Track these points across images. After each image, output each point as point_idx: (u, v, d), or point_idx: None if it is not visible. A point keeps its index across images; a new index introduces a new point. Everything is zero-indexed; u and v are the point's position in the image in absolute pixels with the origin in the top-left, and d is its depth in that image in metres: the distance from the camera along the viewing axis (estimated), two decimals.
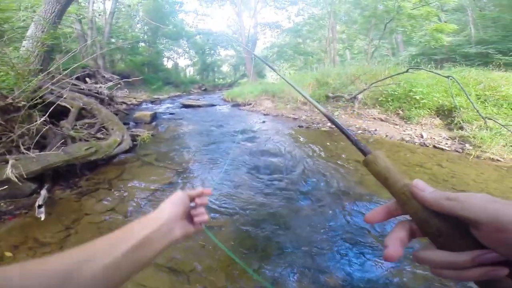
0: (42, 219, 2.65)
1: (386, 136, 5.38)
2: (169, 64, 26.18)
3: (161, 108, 10.08)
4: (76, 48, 13.26)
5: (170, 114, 8.72)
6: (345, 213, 2.81)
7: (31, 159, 3.11)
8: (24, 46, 4.92)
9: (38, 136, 3.29)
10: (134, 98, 12.51)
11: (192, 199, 0.64)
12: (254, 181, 3.55)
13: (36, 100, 3.58)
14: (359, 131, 5.62)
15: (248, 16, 23.63)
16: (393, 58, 13.90)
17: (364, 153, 0.40)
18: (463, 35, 12.07)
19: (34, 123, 3.16)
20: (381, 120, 6.30)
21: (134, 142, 5.02)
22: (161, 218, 0.54)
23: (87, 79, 7.77)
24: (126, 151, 4.57)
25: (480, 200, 0.31)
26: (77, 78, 8.77)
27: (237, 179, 3.62)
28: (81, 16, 12.15)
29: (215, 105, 10.62)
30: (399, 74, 6.09)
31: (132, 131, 5.41)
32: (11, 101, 3.48)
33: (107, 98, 5.97)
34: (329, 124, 6.15)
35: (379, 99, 6.70)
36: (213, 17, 49.80)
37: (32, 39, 4.84)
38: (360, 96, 6.77)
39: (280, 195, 3.18)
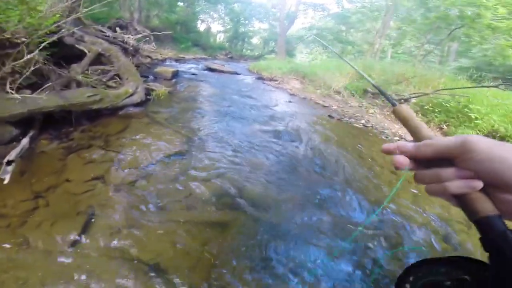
0: (6, 181, 2.01)
1: None
2: (202, 27, 25.04)
3: (184, 67, 9.34)
4: None
5: (193, 74, 7.99)
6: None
7: (14, 100, 2.48)
8: None
9: (27, 73, 2.62)
10: (161, 54, 11.85)
11: None
12: (270, 177, 2.85)
13: (42, 38, 2.89)
14: (395, 138, 4.78)
15: None
16: (439, 66, 12.43)
17: (393, 104, 0.45)
18: None
19: (23, 59, 2.49)
20: None
21: (148, 97, 4.38)
22: None
23: (117, 28, 7.04)
24: (137, 105, 3.95)
25: (446, 139, 0.36)
26: (109, 27, 8.15)
27: (252, 166, 2.93)
28: None
29: (239, 74, 9.78)
30: (485, 86, 5.13)
31: (148, 85, 4.76)
32: (9, 35, 2.81)
33: (131, 48, 5.30)
34: (363, 121, 5.31)
35: (425, 107, 5.75)
36: None
37: None
38: (414, 100, 5.80)
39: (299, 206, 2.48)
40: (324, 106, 6.22)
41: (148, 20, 16.55)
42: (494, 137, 4.93)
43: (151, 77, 6.44)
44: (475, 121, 5.00)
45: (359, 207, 2.58)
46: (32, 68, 2.61)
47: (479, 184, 0.33)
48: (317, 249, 1.98)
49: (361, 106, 6.32)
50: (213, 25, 27.29)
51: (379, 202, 2.75)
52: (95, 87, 3.36)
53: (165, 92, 4.74)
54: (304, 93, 7.28)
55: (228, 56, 18.75)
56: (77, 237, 1.76)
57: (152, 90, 4.53)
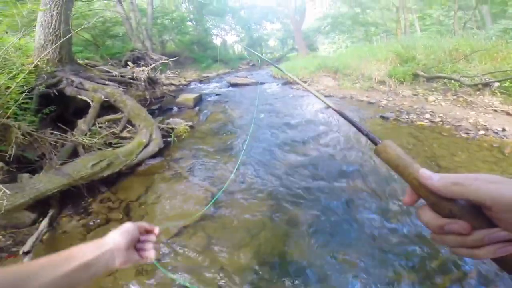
0: None
1: None
2: (217, 42, 24.81)
3: (208, 88, 8.86)
4: (123, 32, 12.52)
5: (216, 95, 7.41)
6: None
7: (19, 188, 2.00)
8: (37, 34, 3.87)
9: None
10: (184, 78, 11.61)
11: (143, 231, 0.65)
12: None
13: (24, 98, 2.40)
14: (480, 132, 3.52)
15: None
16: (479, 31, 10.26)
17: (375, 142, 0.37)
18: None
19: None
20: (508, 114, 4.05)
21: (168, 139, 3.74)
22: (106, 245, 0.55)
23: (129, 63, 6.72)
24: (155, 155, 3.29)
25: (484, 183, 0.30)
26: (126, 62, 7.93)
27: (292, 229, 2.08)
28: None
29: (264, 83, 8.94)
30: None
31: (167, 123, 4.14)
32: None
33: (143, 83, 4.75)
34: (427, 116, 4.14)
35: (503, 84, 4.37)
36: None
37: (43, 26, 3.72)
38: (497, 84, 4.39)
39: None
40: (370, 103, 5.11)
41: (164, 45, 16.48)
42: None
43: (175, 108, 5.94)
44: None
45: None
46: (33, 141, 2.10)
47: None
48: None
49: (416, 95, 5.08)
50: (227, 37, 26.94)
51: None
52: (100, 149, 2.77)
53: (186, 129, 4.07)
54: (341, 91, 6.20)
55: (250, 64, 18.15)
56: None
57: (172, 129, 3.89)
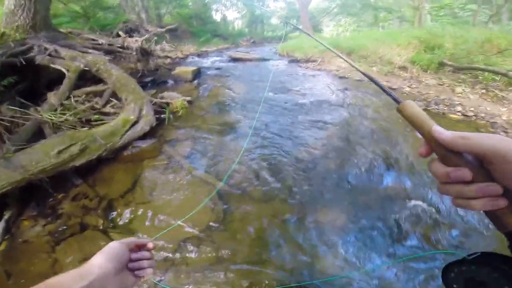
0: None
1: None
2: (217, 17, 23.28)
3: (207, 62, 8.09)
4: (116, 3, 11.22)
5: (216, 69, 6.68)
6: None
7: None
8: None
9: None
10: (181, 51, 10.60)
11: (134, 247, 0.56)
12: None
13: None
14: None
15: None
16: (494, 25, 9.67)
17: (398, 102, 0.39)
18: None
19: None
20: None
21: (162, 116, 3.11)
22: (91, 275, 0.44)
23: (120, 33, 5.87)
24: (145, 135, 2.65)
25: (489, 139, 0.31)
26: (117, 33, 7.00)
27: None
28: None
29: (268, 60, 8.21)
30: None
31: (162, 97, 3.48)
32: None
33: (135, 53, 4.02)
34: (458, 108, 3.65)
35: None
36: None
37: None
38: None
39: None
40: (392, 89, 4.55)
41: (160, 18, 15.38)
42: None
43: (170, 81, 5.22)
44: None
45: None
46: None
47: (505, 203, 0.31)
48: None
49: (441, 84, 4.57)
50: (228, 12, 25.39)
51: None
52: (74, 127, 2.16)
53: (184, 104, 3.42)
54: (356, 73, 5.58)
55: (251, 41, 17.19)
56: None
57: (167, 104, 3.25)
